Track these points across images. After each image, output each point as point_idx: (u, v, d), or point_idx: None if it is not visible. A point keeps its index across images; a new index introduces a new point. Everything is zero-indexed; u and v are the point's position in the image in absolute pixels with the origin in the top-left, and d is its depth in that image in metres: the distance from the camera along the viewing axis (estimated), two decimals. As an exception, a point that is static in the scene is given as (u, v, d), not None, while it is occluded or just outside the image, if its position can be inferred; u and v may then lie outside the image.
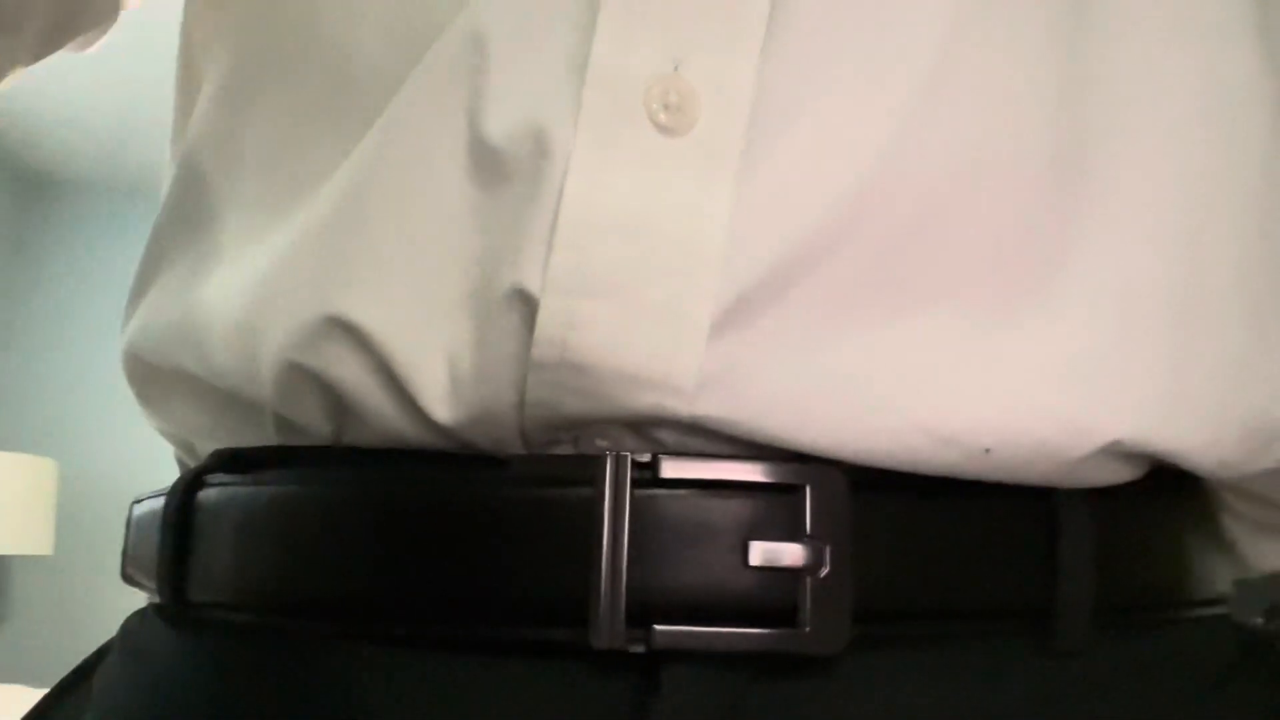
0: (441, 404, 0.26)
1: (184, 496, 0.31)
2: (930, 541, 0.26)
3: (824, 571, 0.25)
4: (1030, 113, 0.27)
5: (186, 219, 0.33)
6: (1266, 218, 0.29)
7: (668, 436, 0.26)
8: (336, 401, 0.28)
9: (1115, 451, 0.26)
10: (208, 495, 0.30)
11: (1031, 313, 0.26)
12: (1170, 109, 0.28)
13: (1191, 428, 0.27)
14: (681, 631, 0.24)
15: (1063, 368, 0.26)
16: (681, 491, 0.25)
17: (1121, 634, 0.28)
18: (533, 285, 0.25)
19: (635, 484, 0.25)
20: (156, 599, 0.32)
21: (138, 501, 0.34)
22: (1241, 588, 0.36)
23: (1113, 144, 0.27)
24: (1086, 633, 0.27)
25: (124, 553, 0.34)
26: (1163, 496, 0.29)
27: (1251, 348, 0.28)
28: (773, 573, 0.25)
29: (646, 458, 0.25)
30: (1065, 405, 0.26)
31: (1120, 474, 0.27)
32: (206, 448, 0.33)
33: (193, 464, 0.35)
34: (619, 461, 0.25)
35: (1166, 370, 0.27)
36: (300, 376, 0.27)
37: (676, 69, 0.25)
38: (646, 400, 0.25)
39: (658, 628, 0.24)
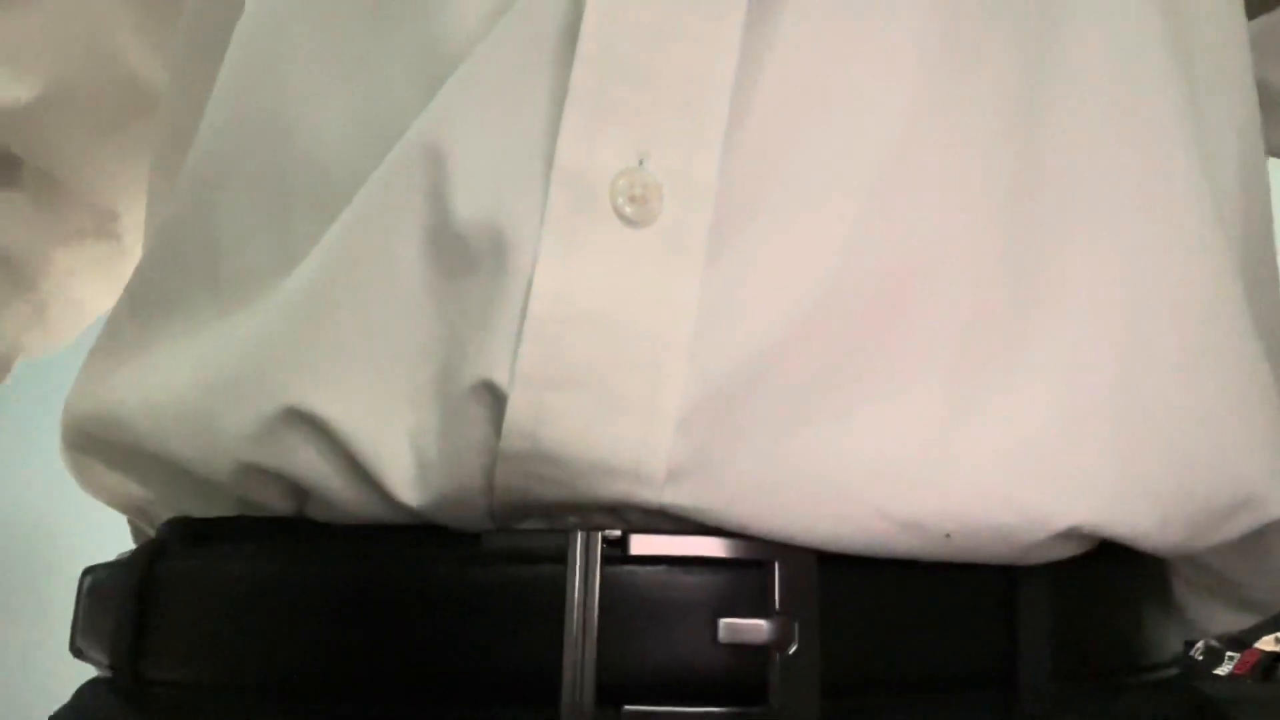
0: (408, 489, 0.26)
1: (146, 569, 0.30)
2: (895, 615, 0.26)
3: (792, 648, 0.25)
4: (985, 206, 0.27)
5: (153, 295, 0.32)
6: (1208, 306, 0.29)
7: (637, 516, 0.26)
8: (297, 487, 0.27)
9: (1070, 535, 0.27)
10: (169, 569, 0.30)
11: (990, 402, 0.27)
12: (1115, 201, 0.29)
13: (1142, 513, 0.27)
14: (650, 711, 0.24)
15: (1020, 456, 0.26)
16: (651, 568, 0.25)
17: (1083, 699, 0.28)
18: (500, 377, 0.25)
19: (605, 560, 0.25)
20: (108, 674, 0.32)
21: (89, 570, 0.34)
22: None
23: (1062, 237, 0.28)
24: (1048, 699, 0.27)
25: (74, 624, 0.34)
26: (1116, 565, 0.30)
27: (1196, 434, 0.28)
28: (741, 649, 0.25)
29: (616, 534, 0.25)
30: (1023, 493, 0.26)
31: (1074, 550, 0.28)
32: (161, 515, 0.32)
33: (150, 529, 0.34)
34: (589, 538, 0.25)
35: (1117, 458, 0.27)
36: (257, 468, 0.27)
37: (641, 163, 0.25)
38: (616, 488, 0.25)
39: (627, 708, 0.24)
